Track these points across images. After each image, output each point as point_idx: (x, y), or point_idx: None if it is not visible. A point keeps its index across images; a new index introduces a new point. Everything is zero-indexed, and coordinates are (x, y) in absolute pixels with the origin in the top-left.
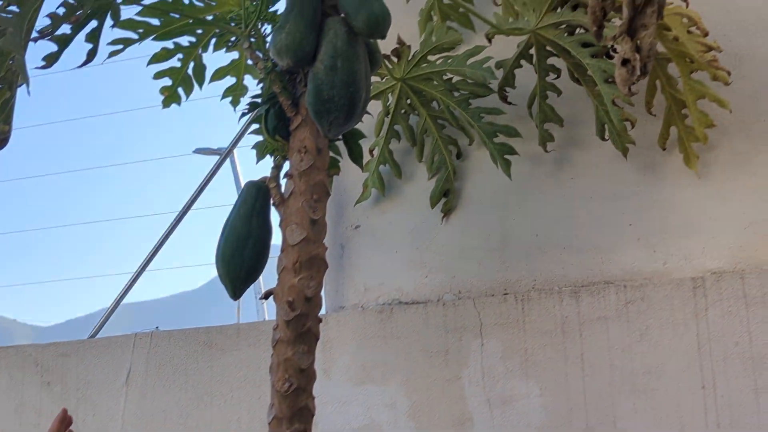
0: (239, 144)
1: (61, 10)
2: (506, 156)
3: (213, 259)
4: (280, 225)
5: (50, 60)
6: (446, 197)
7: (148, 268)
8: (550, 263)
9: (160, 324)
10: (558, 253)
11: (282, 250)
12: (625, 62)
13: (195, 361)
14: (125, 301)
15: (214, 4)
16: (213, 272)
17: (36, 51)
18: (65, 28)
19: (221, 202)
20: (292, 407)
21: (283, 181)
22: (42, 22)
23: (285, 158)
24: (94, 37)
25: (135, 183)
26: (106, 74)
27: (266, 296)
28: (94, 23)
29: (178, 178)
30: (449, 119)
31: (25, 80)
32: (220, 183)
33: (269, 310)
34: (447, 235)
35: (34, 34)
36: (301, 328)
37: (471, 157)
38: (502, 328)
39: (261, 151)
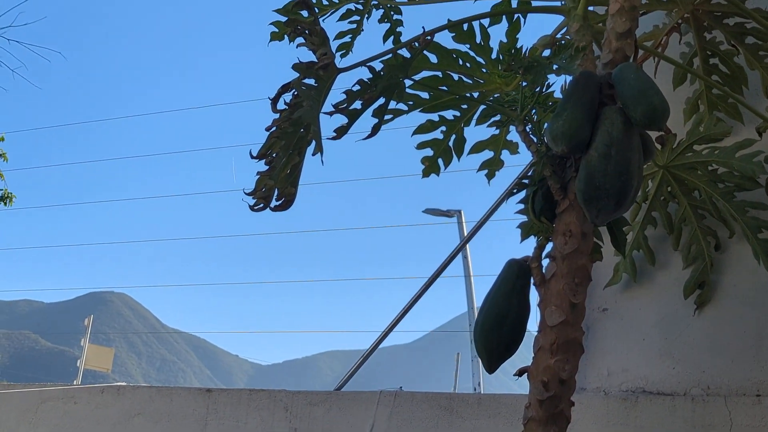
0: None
1: (356, 88)
2: None
3: (426, 319)
4: (539, 305)
5: (340, 132)
6: (701, 289)
7: (366, 326)
8: None
9: (376, 372)
10: None
11: (539, 330)
12: None
13: (435, 425)
14: (343, 348)
15: (482, 82)
16: (428, 326)
17: (325, 123)
18: (357, 104)
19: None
20: None
21: (544, 262)
22: (333, 98)
23: (548, 240)
24: (380, 112)
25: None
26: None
27: (520, 374)
28: (381, 100)
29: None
30: (711, 210)
31: (320, 150)
32: (448, 247)
33: (485, 382)
34: (698, 327)
35: (327, 108)
36: (553, 409)
37: (730, 250)
38: (753, 430)
39: (525, 230)
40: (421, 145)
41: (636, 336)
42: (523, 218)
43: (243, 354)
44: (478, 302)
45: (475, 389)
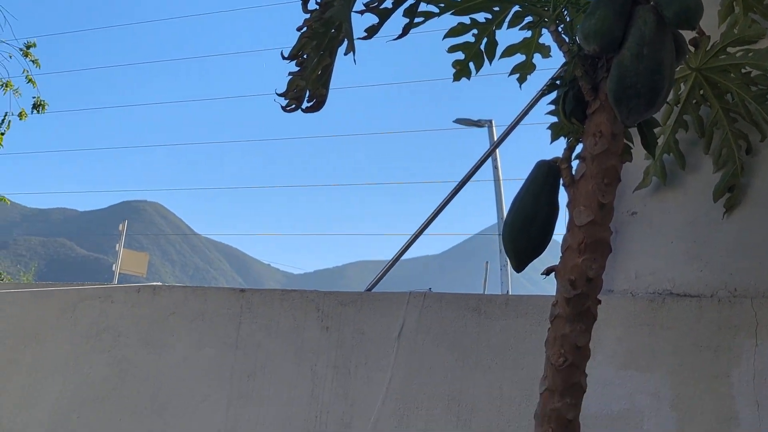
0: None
1: None
2: None
3: (456, 229)
4: (568, 206)
5: (371, 32)
6: (731, 192)
7: (396, 232)
8: None
9: (405, 282)
10: None
11: (568, 230)
12: None
13: (464, 325)
14: (373, 259)
15: None
16: (455, 240)
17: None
18: (388, 3)
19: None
20: (565, 382)
21: (574, 163)
22: None
23: (578, 141)
24: (411, 12)
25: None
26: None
27: (548, 272)
28: (413, 0)
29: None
30: (743, 113)
31: (352, 49)
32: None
33: (513, 283)
34: (727, 231)
35: (358, 7)
36: (580, 306)
37: (762, 154)
38: None
39: (556, 132)
40: (452, 49)
41: (664, 239)
42: (554, 120)
43: (274, 263)
44: (507, 211)
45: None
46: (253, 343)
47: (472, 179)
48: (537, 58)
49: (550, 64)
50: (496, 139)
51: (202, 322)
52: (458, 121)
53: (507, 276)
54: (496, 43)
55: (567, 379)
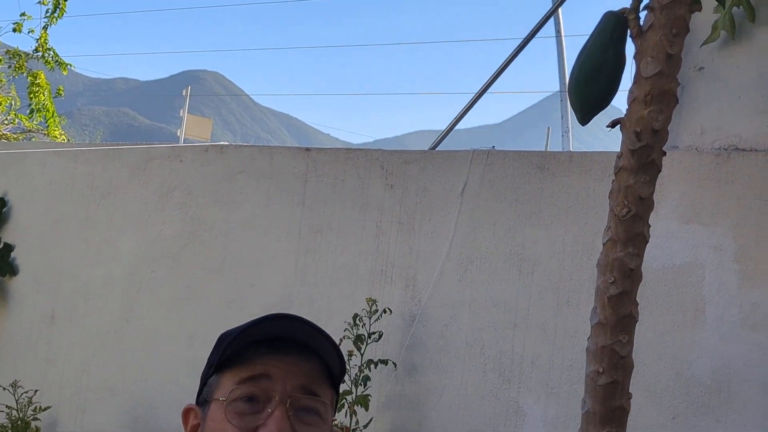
0: None
1: None
2: None
3: (510, 102)
4: (635, 57)
5: None
6: None
7: (458, 92)
8: None
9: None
10: None
11: (634, 82)
12: None
13: (527, 182)
14: (433, 128)
15: None
16: (514, 110)
17: None
18: None
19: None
20: (628, 231)
21: (642, 14)
22: None
23: None
24: None
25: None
26: None
27: (613, 125)
28: None
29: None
30: None
31: None
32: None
33: (574, 149)
34: None
35: None
36: (645, 158)
37: None
38: None
39: None
40: None
41: (732, 95)
42: None
43: (335, 133)
44: (568, 80)
45: None
46: (320, 200)
47: (536, 37)
48: None
49: None
50: None
51: (269, 180)
52: None
53: (569, 143)
54: None
55: (630, 229)
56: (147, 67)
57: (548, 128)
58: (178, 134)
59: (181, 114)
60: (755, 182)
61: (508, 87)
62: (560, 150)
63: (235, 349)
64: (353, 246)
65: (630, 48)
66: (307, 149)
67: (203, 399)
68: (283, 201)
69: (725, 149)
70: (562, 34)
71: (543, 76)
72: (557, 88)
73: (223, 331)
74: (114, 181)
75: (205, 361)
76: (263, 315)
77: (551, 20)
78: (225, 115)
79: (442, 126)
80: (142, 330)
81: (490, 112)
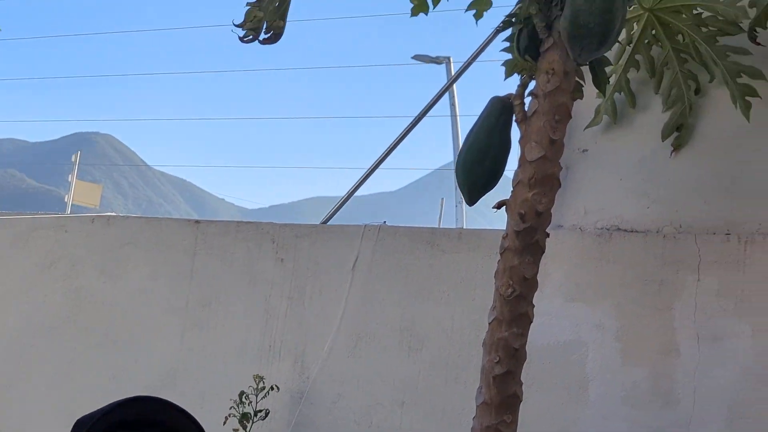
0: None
1: None
2: (747, 98)
3: (412, 165)
4: (520, 141)
5: None
6: (679, 131)
7: (353, 167)
8: None
9: (358, 218)
10: None
11: (519, 165)
12: None
13: (417, 258)
14: (329, 194)
15: None
16: (411, 177)
17: None
18: None
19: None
20: (513, 311)
21: (527, 100)
22: None
23: (532, 78)
24: None
25: (350, 85)
26: None
27: (499, 206)
28: None
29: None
30: (693, 54)
31: None
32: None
33: (468, 220)
34: (674, 169)
35: None
36: (529, 239)
37: (709, 94)
38: (720, 267)
39: (510, 69)
40: None
41: (613, 176)
42: (509, 57)
43: (229, 198)
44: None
45: None
46: (208, 273)
47: (429, 115)
48: None
49: (506, 1)
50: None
51: (157, 252)
52: (416, 57)
53: (462, 213)
54: None
55: (514, 309)
56: (37, 128)
57: (442, 199)
58: (66, 200)
59: (69, 179)
60: (636, 262)
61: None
62: (453, 220)
63: None
64: (241, 321)
65: (516, 132)
66: (197, 221)
67: None
68: (171, 273)
69: (607, 229)
70: (457, 108)
71: (440, 146)
72: (452, 158)
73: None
74: None
75: None
76: (127, 397)
77: (447, 95)
78: (117, 179)
79: (338, 193)
80: (22, 407)
81: (387, 180)
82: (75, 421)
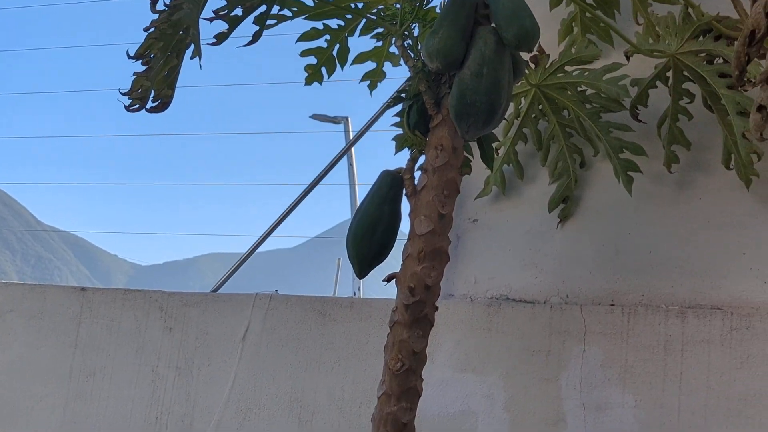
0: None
1: None
2: (629, 172)
3: (310, 225)
4: (410, 215)
5: (221, 38)
6: (565, 203)
7: (250, 232)
8: (660, 281)
9: (257, 276)
10: (669, 272)
11: (409, 239)
12: (760, 108)
13: (308, 328)
14: (225, 251)
15: None
16: (309, 233)
17: (204, 29)
18: (238, 11)
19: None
20: (402, 386)
21: (417, 174)
22: (214, 2)
23: (421, 153)
24: (261, 20)
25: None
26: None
27: (389, 279)
28: (263, 8)
29: (290, 145)
30: (578, 129)
31: (199, 54)
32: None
33: (365, 283)
34: (561, 240)
35: (207, 13)
36: (418, 313)
37: (594, 168)
38: (605, 338)
39: (400, 143)
40: (304, 53)
41: (503, 246)
42: (400, 131)
43: (122, 254)
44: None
45: (354, 293)
46: (94, 342)
47: (328, 179)
48: (388, 66)
49: (402, 73)
50: (352, 136)
51: (40, 321)
52: (315, 116)
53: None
54: (348, 49)
55: (403, 383)
56: None
57: (339, 259)
58: None
59: None
60: (523, 333)
61: (305, 211)
62: (351, 282)
63: None
64: (127, 392)
65: (406, 205)
66: (83, 289)
67: None
68: (55, 342)
69: (497, 299)
70: (354, 168)
71: (340, 201)
72: (349, 215)
73: None
74: None
75: None
76: None
77: (346, 155)
78: (4, 233)
79: (236, 249)
80: None
81: (284, 238)
82: None
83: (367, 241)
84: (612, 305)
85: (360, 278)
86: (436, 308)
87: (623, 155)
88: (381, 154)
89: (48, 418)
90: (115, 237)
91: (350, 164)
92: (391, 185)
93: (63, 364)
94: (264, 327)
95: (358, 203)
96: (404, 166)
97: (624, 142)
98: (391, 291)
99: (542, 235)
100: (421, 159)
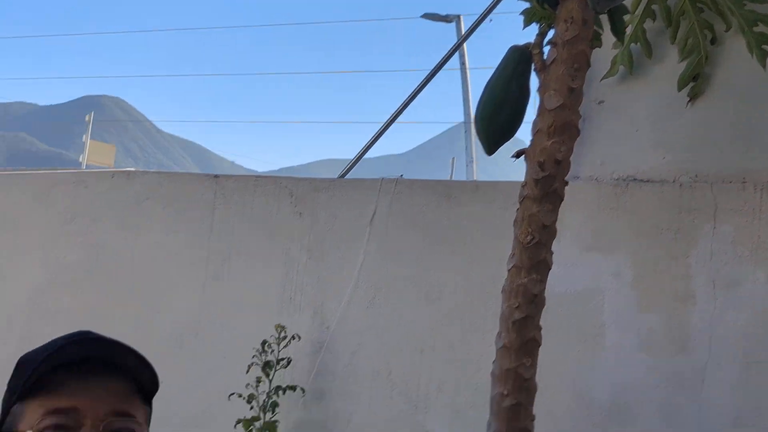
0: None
1: None
2: (764, 46)
3: (419, 126)
4: (539, 90)
5: None
6: (695, 81)
7: (362, 121)
8: None
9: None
10: None
11: (538, 114)
12: None
13: (434, 210)
14: (338, 156)
15: None
16: (420, 139)
17: None
18: None
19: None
20: (532, 258)
21: (546, 49)
22: None
23: (550, 26)
24: None
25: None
26: None
27: (518, 155)
28: None
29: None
30: (709, 3)
31: None
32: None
33: (479, 178)
34: (691, 119)
35: None
36: (548, 187)
37: (726, 43)
38: (736, 215)
39: (528, 17)
40: None
41: (630, 128)
42: (527, 5)
43: (239, 160)
44: (473, 110)
45: None
46: (228, 227)
47: (443, 69)
48: None
49: None
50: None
51: (177, 207)
52: (426, 16)
53: (473, 173)
54: None
55: (534, 255)
56: (45, 91)
57: (453, 158)
58: (80, 160)
59: (83, 140)
60: (651, 212)
61: (414, 117)
62: (465, 179)
63: (39, 376)
64: (261, 274)
65: (534, 81)
66: (216, 176)
67: (6, 429)
68: (191, 228)
69: (624, 180)
70: (467, 67)
71: (448, 107)
72: (462, 119)
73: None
74: (15, 208)
75: None
76: (69, 335)
77: (457, 53)
78: (126, 143)
79: (347, 155)
80: None
81: (395, 142)
82: (18, 359)
83: (497, 118)
84: (744, 183)
85: (489, 155)
86: (566, 183)
87: (757, 29)
88: (496, 48)
89: (188, 298)
90: (231, 141)
91: (462, 63)
92: (519, 61)
93: (199, 248)
94: (391, 210)
95: (472, 103)
96: (532, 42)
97: (758, 15)
98: (508, 176)
99: (671, 114)
100: (550, 33)
